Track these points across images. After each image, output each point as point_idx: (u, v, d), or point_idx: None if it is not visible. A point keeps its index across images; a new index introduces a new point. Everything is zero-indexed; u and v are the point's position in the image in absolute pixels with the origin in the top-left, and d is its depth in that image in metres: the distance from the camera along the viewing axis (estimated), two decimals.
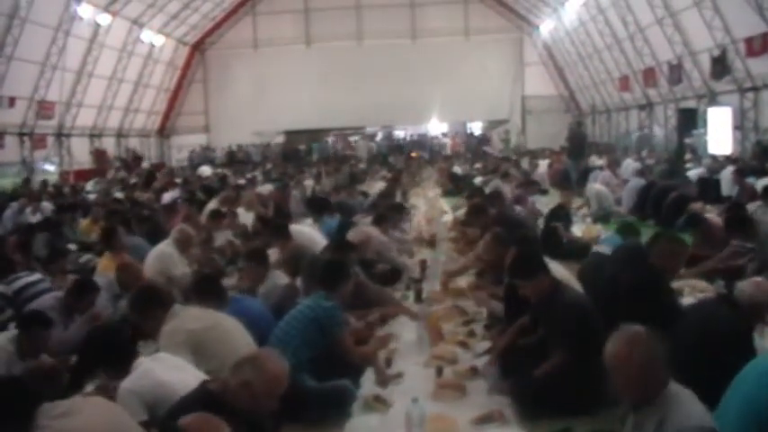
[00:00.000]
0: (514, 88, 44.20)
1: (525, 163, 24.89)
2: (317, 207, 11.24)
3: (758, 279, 5.08)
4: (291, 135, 42.68)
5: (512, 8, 43.96)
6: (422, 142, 42.87)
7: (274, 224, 8.98)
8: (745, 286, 4.81)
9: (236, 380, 3.48)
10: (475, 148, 39.14)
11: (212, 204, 12.42)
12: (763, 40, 22.29)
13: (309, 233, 9.15)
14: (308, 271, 6.35)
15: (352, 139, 44.77)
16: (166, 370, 4.25)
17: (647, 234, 7.68)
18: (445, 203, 17.16)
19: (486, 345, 6.24)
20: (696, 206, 12.28)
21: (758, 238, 8.06)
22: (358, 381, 5.50)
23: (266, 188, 16.56)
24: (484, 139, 41.15)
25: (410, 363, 5.96)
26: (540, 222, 11.64)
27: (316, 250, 7.92)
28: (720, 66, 25.07)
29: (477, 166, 25.16)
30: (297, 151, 40.88)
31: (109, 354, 4.50)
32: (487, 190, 15.40)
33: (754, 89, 24.55)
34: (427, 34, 42.64)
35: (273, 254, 7.91)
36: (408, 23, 43.02)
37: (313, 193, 17.08)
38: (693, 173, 16.85)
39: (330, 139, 44.79)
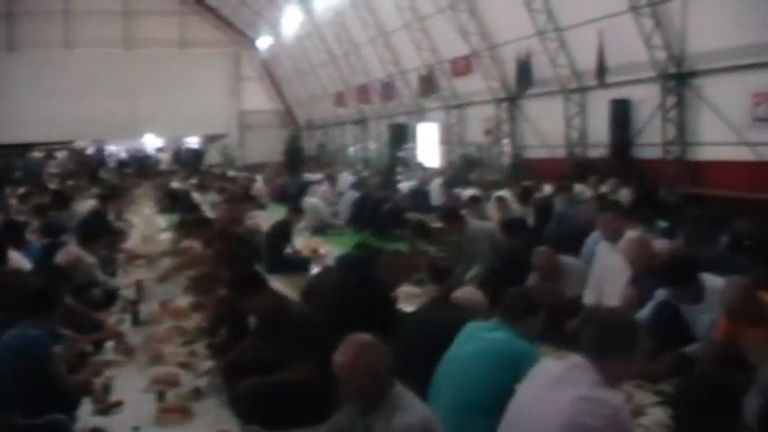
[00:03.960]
0: (232, 102, 44.29)
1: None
2: (14, 232, 10.27)
3: (470, 288, 5.73)
4: None
5: (229, 22, 44.05)
6: (138, 158, 41.12)
7: None
8: (460, 293, 5.47)
9: None
10: (191, 163, 38.36)
11: None
12: (467, 61, 24.42)
13: (17, 259, 8.47)
14: (9, 300, 5.88)
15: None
16: None
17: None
18: (162, 220, 16.73)
19: (208, 364, 6.20)
20: (409, 216, 13.09)
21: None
22: (73, 413, 5.20)
23: None
24: (201, 154, 40.51)
25: (129, 389, 5.75)
26: (261, 238, 11.75)
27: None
28: (428, 84, 26.96)
29: (193, 181, 24.79)
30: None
31: None
32: (205, 205, 15.27)
33: (459, 106, 26.74)
34: (142, 45, 41.51)
35: None
36: (121, 32, 41.52)
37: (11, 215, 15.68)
38: (405, 185, 17.89)
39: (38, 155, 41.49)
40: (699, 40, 15.90)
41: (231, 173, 28.58)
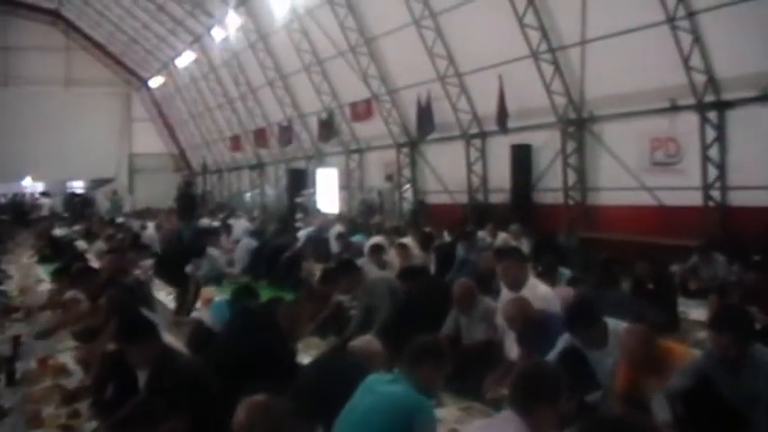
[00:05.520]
0: (122, 145, 43.42)
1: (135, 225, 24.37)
2: None
3: (367, 337, 5.83)
4: None
5: (119, 60, 43.39)
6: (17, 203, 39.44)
7: None
8: (356, 342, 5.59)
9: None
10: (76, 209, 37.08)
11: None
12: (367, 106, 24.69)
13: None
14: None
15: None
16: None
17: (264, 295, 7.93)
18: (42, 270, 16.11)
19: (93, 425, 5.95)
20: (307, 265, 13.00)
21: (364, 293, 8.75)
22: None
23: None
24: (87, 200, 39.18)
25: None
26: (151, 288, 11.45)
27: None
28: (328, 128, 27.07)
29: (78, 228, 24.04)
30: None
31: None
32: (91, 254, 14.82)
33: (359, 151, 26.94)
34: (23, 81, 40.25)
35: None
36: (1, 68, 40.21)
37: None
38: (304, 232, 17.78)
39: None
40: (597, 86, 16.59)
41: (120, 219, 27.86)
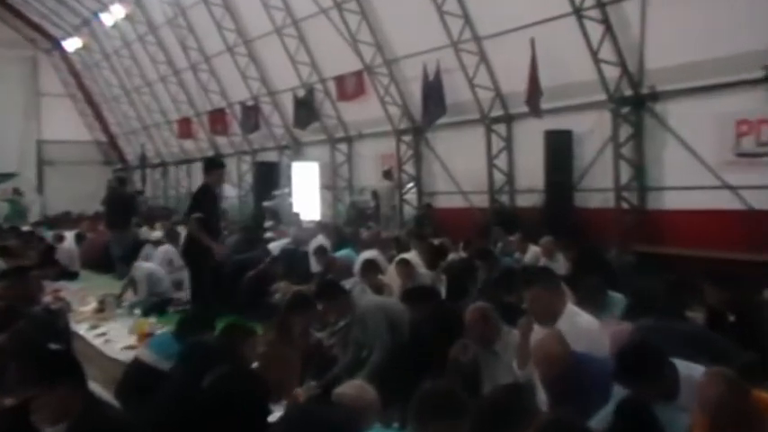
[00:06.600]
0: (26, 128, 42.90)
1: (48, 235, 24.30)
2: None
3: (357, 382, 5.93)
4: None
5: (21, 13, 42.51)
6: None
7: None
8: (343, 389, 5.57)
9: None
10: None
11: None
12: (358, 80, 24.45)
13: None
14: None
15: None
16: None
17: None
18: None
19: None
20: (280, 287, 12.97)
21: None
22: None
23: None
24: None
25: None
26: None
27: None
28: (306, 110, 26.88)
29: None
30: None
31: None
32: None
33: (347, 140, 26.80)
34: None
35: None
36: None
37: None
38: (275, 245, 17.74)
39: None
40: (662, 52, 16.40)
41: (25, 228, 27.75)
